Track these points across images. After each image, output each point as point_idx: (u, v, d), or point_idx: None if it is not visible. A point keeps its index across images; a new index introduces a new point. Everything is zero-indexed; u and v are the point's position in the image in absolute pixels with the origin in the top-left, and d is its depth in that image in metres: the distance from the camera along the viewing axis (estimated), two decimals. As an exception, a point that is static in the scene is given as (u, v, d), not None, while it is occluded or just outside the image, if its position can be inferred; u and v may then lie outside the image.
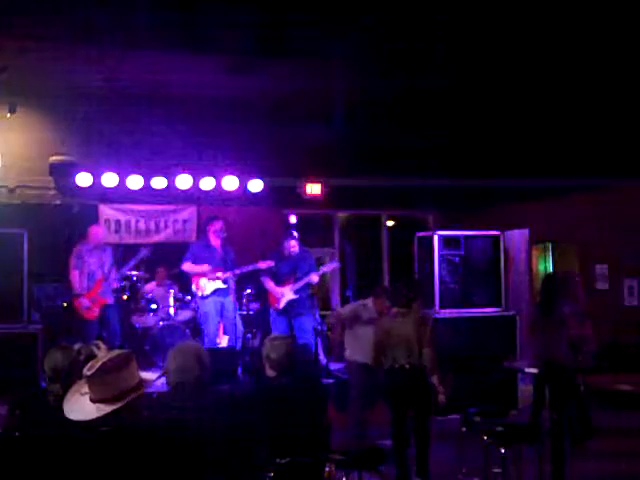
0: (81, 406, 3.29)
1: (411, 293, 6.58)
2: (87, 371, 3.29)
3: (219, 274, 9.01)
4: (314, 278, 9.11)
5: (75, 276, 9.00)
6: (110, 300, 9.13)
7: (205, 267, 9.03)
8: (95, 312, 8.94)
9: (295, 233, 9.39)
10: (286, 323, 9.11)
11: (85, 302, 8.92)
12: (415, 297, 6.60)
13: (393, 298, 6.82)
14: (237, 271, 9.04)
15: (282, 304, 9.09)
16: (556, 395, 7.32)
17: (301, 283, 9.07)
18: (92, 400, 3.28)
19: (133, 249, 9.43)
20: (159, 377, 3.65)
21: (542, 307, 7.43)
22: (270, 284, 9.19)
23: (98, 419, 3.24)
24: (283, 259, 9.19)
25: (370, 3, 7.02)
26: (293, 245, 9.17)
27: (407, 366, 6.35)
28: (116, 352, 3.47)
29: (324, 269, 9.37)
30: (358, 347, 7.35)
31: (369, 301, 7.41)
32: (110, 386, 3.25)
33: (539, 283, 11.67)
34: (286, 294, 9.10)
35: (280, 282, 9.15)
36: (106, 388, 3.25)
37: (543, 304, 7.42)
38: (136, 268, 9.72)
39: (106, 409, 3.22)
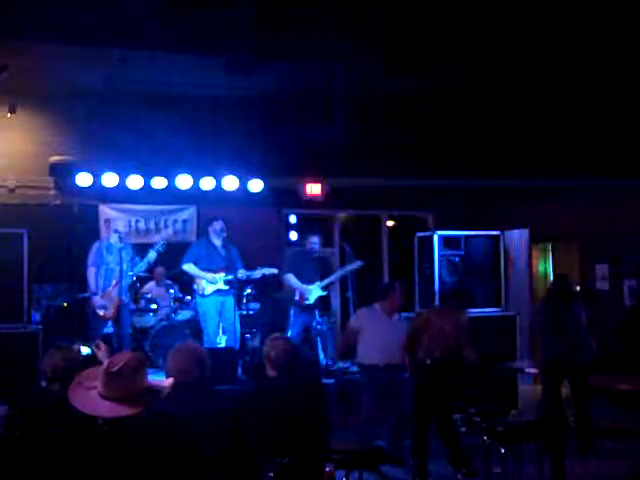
0: (95, 402, 3.27)
1: (461, 303, 7.12)
2: (110, 368, 3.27)
3: (220, 275, 8.98)
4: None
5: (92, 273, 8.71)
6: (126, 299, 8.85)
7: (208, 275, 9.01)
8: (111, 312, 8.63)
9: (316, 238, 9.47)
10: (305, 320, 9.23)
11: (100, 301, 8.65)
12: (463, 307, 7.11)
13: (457, 300, 7.16)
14: (242, 276, 9.02)
15: (312, 300, 9.21)
16: (573, 394, 7.41)
17: (328, 281, 9.22)
18: (103, 396, 3.26)
19: (143, 250, 9.21)
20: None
21: (556, 307, 7.47)
22: (295, 281, 9.28)
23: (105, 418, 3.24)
24: (306, 257, 9.34)
25: (371, 6, 7.04)
26: (315, 242, 9.32)
27: (439, 361, 6.59)
28: (132, 353, 3.46)
29: (349, 268, 9.38)
30: (369, 350, 7.31)
31: (376, 305, 7.40)
32: (128, 385, 3.24)
33: (539, 283, 11.71)
34: (314, 291, 9.21)
35: (307, 281, 9.23)
36: (124, 387, 3.24)
37: (557, 304, 7.47)
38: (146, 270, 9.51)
39: (124, 411, 3.21)
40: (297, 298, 9.30)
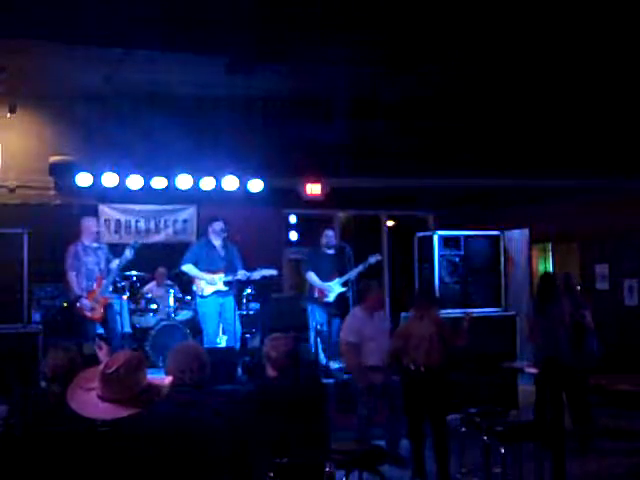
0: (93, 405, 3.26)
1: (431, 299, 7.06)
2: (106, 369, 3.26)
3: (219, 276, 8.96)
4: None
5: (72, 277, 8.62)
6: (111, 299, 8.84)
7: (207, 277, 8.98)
8: (99, 312, 8.55)
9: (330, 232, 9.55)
10: (326, 315, 9.22)
11: (87, 303, 8.56)
12: (435, 303, 7.04)
13: (417, 302, 7.03)
14: (242, 277, 9.00)
15: (332, 297, 9.25)
16: (570, 394, 7.40)
17: (346, 277, 9.20)
18: (102, 398, 3.26)
19: (118, 249, 9.13)
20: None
21: (538, 307, 7.51)
22: (316, 279, 9.34)
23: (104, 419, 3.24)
24: (322, 255, 9.41)
25: (372, 7, 7.02)
26: (331, 235, 9.42)
27: (422, 369, 6.52)
28: (130, 353, 3.45)
29: (367, 264, 9.39)
30: (365, 354, 7.30)
31: (357, 309, 7.41)
32: (126, 387, 3.23)
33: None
34: (335, 288, 9.27)
35: (325, 278, 9.29)
36: (122, 389, 3.23)
37: (539, 304, 7.51)
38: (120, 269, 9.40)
39: (123, 412, 3.20)
40: (316, 295, 9.35)
